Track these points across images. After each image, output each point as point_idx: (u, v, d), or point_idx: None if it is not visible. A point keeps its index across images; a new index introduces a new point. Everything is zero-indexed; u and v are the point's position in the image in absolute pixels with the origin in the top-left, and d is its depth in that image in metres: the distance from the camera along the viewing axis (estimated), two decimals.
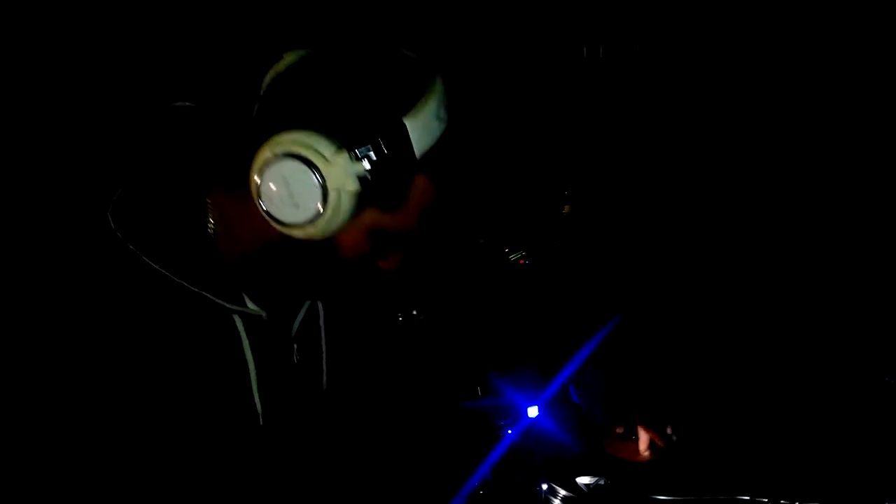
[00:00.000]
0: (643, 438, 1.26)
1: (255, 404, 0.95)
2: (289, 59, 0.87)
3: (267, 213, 0.81)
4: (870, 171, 2.31)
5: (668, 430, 1.26)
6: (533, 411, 1.36)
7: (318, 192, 0.78)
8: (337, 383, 1.12)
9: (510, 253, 2.14)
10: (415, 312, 1.73)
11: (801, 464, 1.24)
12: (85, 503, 0.85)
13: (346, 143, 0.78)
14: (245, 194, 0.84)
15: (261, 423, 0.96)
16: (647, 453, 1.26)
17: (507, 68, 2.70)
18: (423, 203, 0.88)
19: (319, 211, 0.79)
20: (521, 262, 2.11)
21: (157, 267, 0.86)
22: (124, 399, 0.84)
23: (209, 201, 0.91)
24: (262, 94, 0.88)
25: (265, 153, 0.79)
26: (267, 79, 0.88)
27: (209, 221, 0.91)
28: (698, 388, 1.45)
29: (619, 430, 1.29)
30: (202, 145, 0.94)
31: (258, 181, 0.80)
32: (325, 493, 1.13)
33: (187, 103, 0.96)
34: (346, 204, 0.80)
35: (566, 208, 3.39)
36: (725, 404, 1.42)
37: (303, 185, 0.78)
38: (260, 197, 0.81)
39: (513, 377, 1.46)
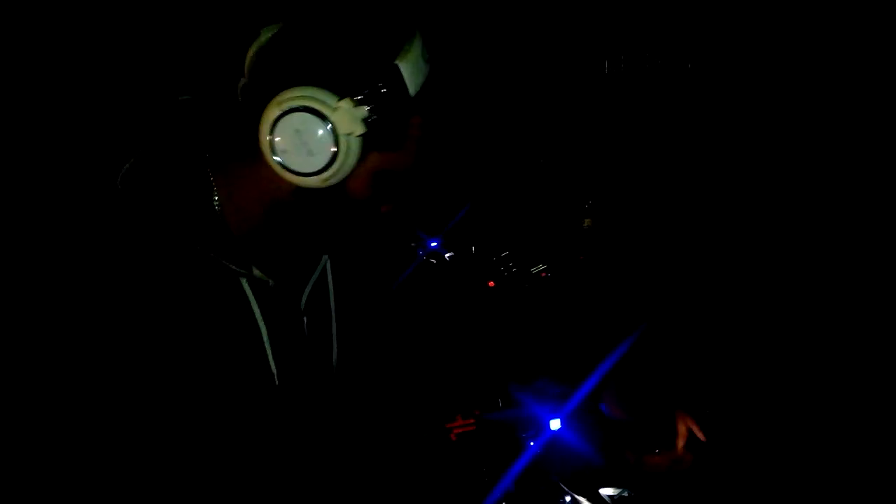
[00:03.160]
0: (682, 431, 1.26)
1: (269, 365, 0.98)
2: (267, 32, 0.91)
3: (283, 166, 0.85)
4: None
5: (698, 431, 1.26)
6: (555, 424, 1.37)
7: (330, 139, 0.83)
8: (346, 362, 1.13)
9: (532, 266, 2.15)
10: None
11: (820, 483, 1.23)
12: (105, 456, 0.88)
13: (348, 90, 0.84)
14: (248, 162, 0.89)
15: (276, 383, 0.99)
16: (682, 451, 1.25)
17: (529, 81, 2.72)
18: (419, 142, 0.92)
19: (334, 157, 0.84)
20: (543, 274, 2.11)
21: (166, 232, 0.89)
22: (135, 357, 0.87)
23: (212, 179, 0.94)
24: (247, 68, 0.92)
25: (272, 111, 0.84)
26: (250, 53, 0.91)
27: (214, 198, 0.94)
28: (724, 401, 1.44)
29: (655, 433, 1.28)
30: (202, 129, 0.98)
31: (270, 138, 0.84)
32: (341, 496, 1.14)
33: (186, 96, 1.00)
34: (355, 147, 0.85)
35: (587, 221, 3.38)
36: (752, 419, 1.41)
37: (315, 135, 0.83)
38: (274, 153, 0.85)
39: (535, 390, 1.46)
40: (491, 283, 2.17)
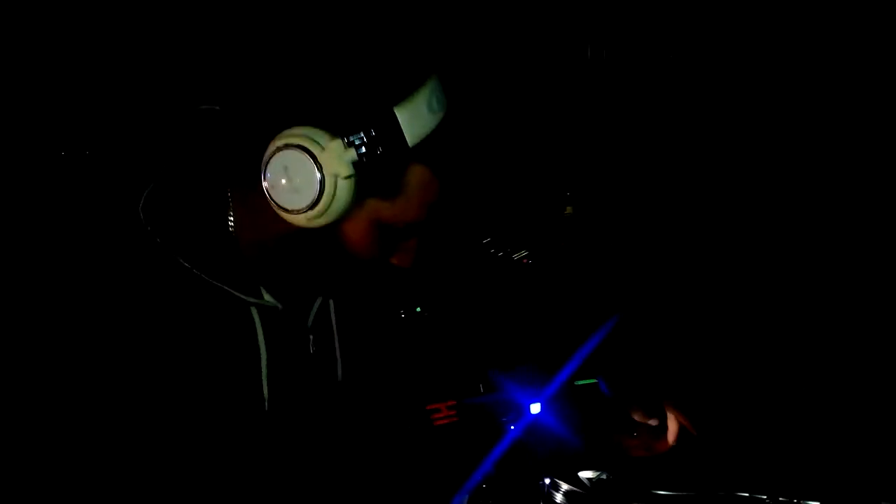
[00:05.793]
0: (672, 428, 1.27)
1: (262, 391, 0.99)
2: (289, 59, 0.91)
3: (274, 202, 0.87)
4: (870, 171, 2.32)
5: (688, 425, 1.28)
6: (535, 408, 1.38)
7: (314, 178, 0.83)
8: (350, 376, 1.15)
9: (514, 252, 2.16)
10: (419, 309, 1.74)
11: (799, 461, 1.25)
12: (100, 467, 0.89)
13: (339, 131, 0.84)
14: (259, 191, 0.89)
15: (266, 408, 1.00)
16: (672, 442, 1.27)
17: (511, 68, 2.72)
18: (424, 195, 0.92)
19: (316, 195, 0.84)
20: (525, 261, 2.12)
21: (181, 261, 0.91)
22: (138, 383, 0.88)
23: (230, 197, 0.97)
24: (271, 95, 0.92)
25: (272, 147, 0.86)
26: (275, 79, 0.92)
27: (230, 217, 0.96)
28: (699, 386, 1.46)
29: (653, 423, 1.30)
30: (226, 145, 0.99)
31: (265, 173, 0.86)
32: (326, 482, 1.15)
33: (215, 107, 1.01)
34: (343, 189, 0.85)
35: (568, 209, 3.39)
36: (725, 402, 1.43)
37: (301, 172, 0.84)
38: (267, 188, 0.87)
39: (516, 375, 1.48)
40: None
